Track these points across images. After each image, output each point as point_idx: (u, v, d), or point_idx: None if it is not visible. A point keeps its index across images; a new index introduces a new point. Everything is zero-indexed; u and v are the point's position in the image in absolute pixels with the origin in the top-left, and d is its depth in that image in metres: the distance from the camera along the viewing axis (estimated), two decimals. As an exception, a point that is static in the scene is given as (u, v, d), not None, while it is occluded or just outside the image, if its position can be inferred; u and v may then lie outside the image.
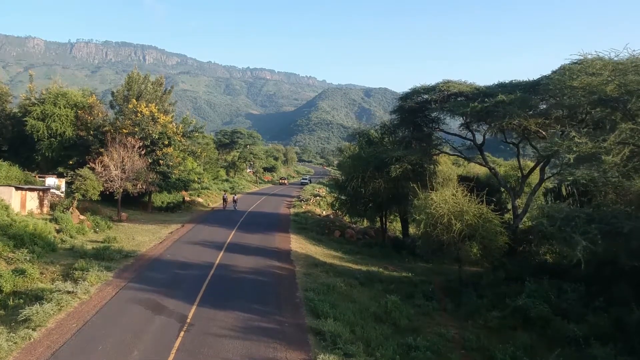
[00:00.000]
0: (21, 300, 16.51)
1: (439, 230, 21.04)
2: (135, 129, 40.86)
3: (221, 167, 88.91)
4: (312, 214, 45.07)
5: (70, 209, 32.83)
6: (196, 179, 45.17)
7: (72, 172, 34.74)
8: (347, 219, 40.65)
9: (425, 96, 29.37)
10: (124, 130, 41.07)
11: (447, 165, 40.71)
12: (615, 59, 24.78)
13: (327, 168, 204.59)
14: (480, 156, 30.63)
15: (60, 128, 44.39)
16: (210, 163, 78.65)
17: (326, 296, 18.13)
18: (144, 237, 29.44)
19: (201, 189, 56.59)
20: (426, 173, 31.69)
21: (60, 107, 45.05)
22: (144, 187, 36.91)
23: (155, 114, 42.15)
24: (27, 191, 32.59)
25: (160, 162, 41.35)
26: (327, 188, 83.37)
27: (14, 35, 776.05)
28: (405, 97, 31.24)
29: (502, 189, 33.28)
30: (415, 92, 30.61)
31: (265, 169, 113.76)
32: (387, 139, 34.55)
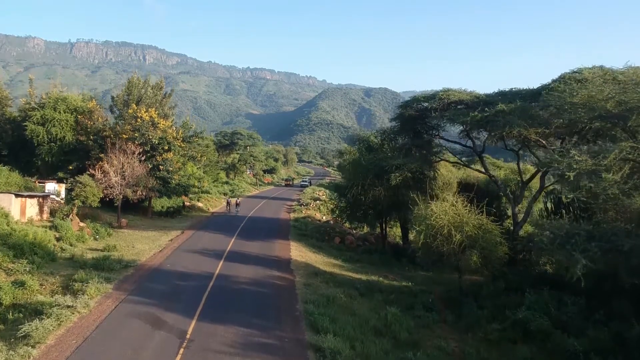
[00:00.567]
0: (21, 314, 16.51)
1: (439, 241, 21.01)
2: (135, 134, 40.85)
3: (221, 169, 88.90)
4: (312, 219, 45.04)
5: (70, 216, 32.82)
6: (196, 183, 45.10)
7: (72, 179, 34.70)
8: (347, 225, 40.66)
9: (425, 104, 29.35)
10: (124, 135, 41.05)
11: (447, 169, 40.66)
12: (616, 68, 24.86)
13: (327, 169, 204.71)
14: (479, 162, 30.57)
15: (60, 133, 44.38)
16: (210, 165, 78.66)
17: (326, 309, 18.09)
18: (143, 245, 29.42)
19: (201, 192, 56.55)
20: (426, 180, 31.69)
21: (60, 112, 45.02)
22: (144, 193, 36.88)
23: (155, 119, 42.13)
24: (27, 198, 32.57)
25: (160, 167, 41.33)
26: (327, 191, 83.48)
27: (14, 35, 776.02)
28: (405, 105, 31.25)
29: (502, 195, 33.27)
30: (415, 100, 30.61)
31: (265, 171, 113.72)
32: (387, 145, 34.53)
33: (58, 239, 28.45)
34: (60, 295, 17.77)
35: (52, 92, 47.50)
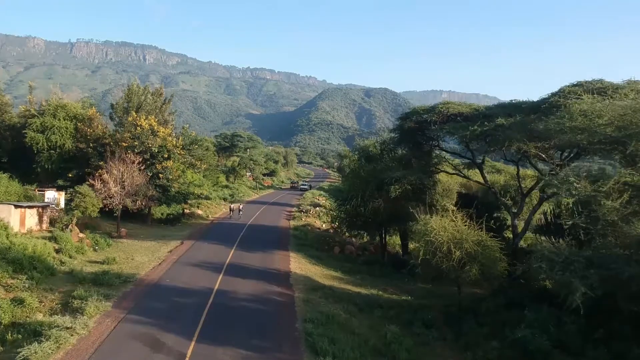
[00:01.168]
0: (20, 335, 16.50)
1: (438, 258, 21.01)
2: (135, 143, 40.84)
3: (221, 173, 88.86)
4: (312, 228, 45.01)
5: (70, 226, 32.82)
6: (196, 191, 45.10)
7: (71, 190, 34.70)
8: (347, 234, 40.59)
9: (425, 116, 29.33)
10: (124, 143, 41.05)
11: (447, 175, 40.59)
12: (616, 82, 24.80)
13: (327, 170, 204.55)
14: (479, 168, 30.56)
15: (60, 140, 44.40)
16: (210, 169, 78.64)
17: (325, 328, 18.07)
18: (143, 256, 29.41)
19: (201, 199, 56.52)
20: (426, 190, 31.71)
21: (59, 119, 45.06)
22: (143, 203, 36.87)
23: (155, 127, 42.11)
24: (27, 208, 32.56)
25: (160, 175, 41.33)
26: (327, 194, 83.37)
27: (14, 35, 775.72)
28: (405, 116, 31.26)
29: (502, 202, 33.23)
30: (414, 112, 30.62)
31: (265, 174, 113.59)
32: (387, 155, 34.50)
33: (57, 251, 28.44)
34: (59, 315, 17.73)
35: (51, 99, 47.51)
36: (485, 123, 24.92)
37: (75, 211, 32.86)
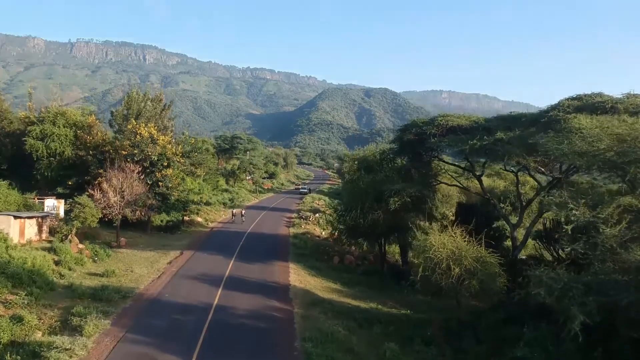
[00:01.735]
0: (18, 357, 16.47)
1: (437, 274, 21.04)
2: (135, 151, 40.83)
3: (221, 176, 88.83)
4: (312, 236, 45.00)
5: (69, 237, 32.82)
6: (195, 199, 45.10)
7: (70, 200, 34.67)
8: (347, 244, 40.51)
9: (424, 128, 29.34)
10: (123, 151, 41.04)
11: (447, 178, 40.48)
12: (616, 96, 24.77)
13: (327, 172, 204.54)
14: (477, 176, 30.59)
15: (60, 148, 44.42)
16: (210, 173, 78.62)
17: (324, 348, 18.07)
18: (142, 268, 29.41)
19: (201, 205, 56.54)
20: (426, 201, 31.74)
21: (59, 127, 45.08)
22: (143, 213, 36.87)
23: (155, 135, 42.09)
24: (26, 219, 32.56)
25: (160, 183, 41.31)
26: (327, 198, 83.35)
27: (14, 34, 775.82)
28: (404, 129, 31.28)
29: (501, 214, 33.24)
30: (413, 124, 30.64)
31: (265, 177, 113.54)
32: (386, 165, 34.50)
33: (57, 263, 28.43)
34: (58, 335, 17.71)
35: (51, 106, 47.53)
36: (485, 137, 24.94)
37: (75, 222, 32.83)
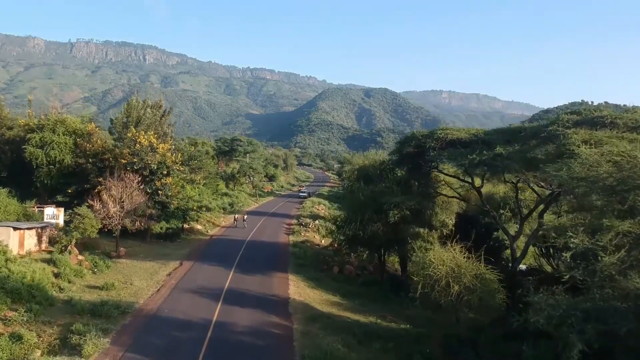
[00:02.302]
0: (17, 379, 16.52)
1: (436, 292, 21.08)
2: (134, 159, 40.83)
3: (221, 179, 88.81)
4: (312, 244, 45.00)
5: (69, 248, 32.83)
6: (195, 207, 45.09)
7: (70, 211, 34.68)
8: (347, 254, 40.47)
9: (424, 142, 29.36)
10: (123, 160, 41.04)
11: (446, 189, 40.43)
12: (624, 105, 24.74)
13: (327, 173, 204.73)
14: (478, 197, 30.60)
15: (59, 155, 44.38)
16: (209, 177, 78.58)
17: (323, 368, 18.10)
18: (141, 280, 29.42)
19: (201, 212, 56.55)
20: (425, 212, 31.77)
21: (59, 135, 45.03)
22: (142, 223, 36.87)
23: (154, 144, 42.07)
24: (26, 230, 32.57)
25: (160, 192, 41.32)
26: (327, 202, 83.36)
27: (14, 34, 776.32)
28: (404, 141, 31.31)
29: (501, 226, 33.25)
30: (413, 137, 30.68)
31: (264, 182, 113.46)
32: (386, 176, 34.52)
33: (56, 276, 28.46)
34: (58, 357, 17.73)
35: (51, 114, 47.51)
36: (484, 152, 24.94)
37: (75, 232, 32.83)
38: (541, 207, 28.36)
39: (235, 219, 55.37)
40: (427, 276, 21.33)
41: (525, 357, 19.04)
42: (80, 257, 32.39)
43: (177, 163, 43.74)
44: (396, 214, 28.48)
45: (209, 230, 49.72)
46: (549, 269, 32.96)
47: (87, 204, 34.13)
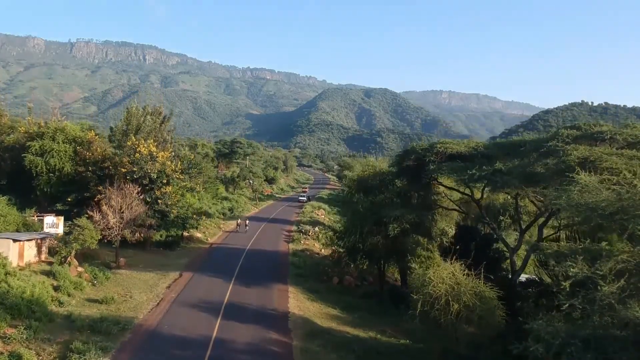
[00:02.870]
0: (17, 401, 16.50)
1: (435, 312, 21.08)
2: (134, 168, 40.81)
3: (220, 183, 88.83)
4: (311, 253, 44.97)
5: (69, 259, 32.83)
6: (195, 216, 45.10)
7: (70, 222, 34.66)
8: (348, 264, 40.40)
9: (423, 156, 29.36)
10: (123, 169, 41.03)
11: (446, 201, 40.45)
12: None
13: (327, 175, 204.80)
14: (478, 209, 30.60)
15: (59, 164, 44.40)
16: (209, 181, 78.60)
17: (323, 389, 18.08)
18: (141, 293, 29.41)
19: (202, 217, 56.60)
20: (425, 224, 31.77)
21: (59, 143, 45.04)
22: (142, 235, 36.86)
23: (154, 153, 42.05)
24: (25, 241, 32.57)
25: (159, 201, 41.30)
26: (327, 206, 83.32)
27: (14, 34, 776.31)
28: (404, 155, 31.30)
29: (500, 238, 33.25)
30: (412, 151, 30.67)
31: (265, 182, 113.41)
32: (386, 187, 34.46)
33: (56, 289, 28.40)
34: (57, 379, 17.71)
35: (51, 122, 47.52)
36: (484, 167, 24.93)
37: (74, 244, 32.81)
38: (541, 219, 28.40)
39: (237, 224, 57.62)
40: (427, 294, 21.31)
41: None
42: (79, 269, 32.37)
43: (176, 171, 43.72)
44: (396, 228, 28.49)
45: (208, 238, 49.70)
46: (547, 279, 33.00)
47: (87, 215, 34.10)
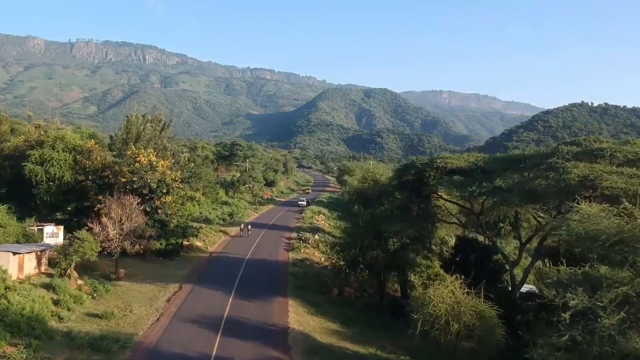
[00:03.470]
0: None
1: (436, 330, 21.10)
2: (134, 178, 40.78)
3: (220, 187, 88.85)
4: (311, 262, 44.90)
5: (68, 271, 32.83)
6: (194, 225, 45.08)
7: (70, 235, 34.62)
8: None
9: (423, 171, 29.36)
10: (123, 178, 40.99)
11: (446, 214, 40.40)
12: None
13: (327, 177, 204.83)
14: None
15: (59, 172, 44.37)
16: (209, 187, 78.62)
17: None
18: (141, 307, 29.41)
19: (201, 222, 56.61)
20: (425, 237, 31.79)
21: (58, 151, 45.02)
22: (142, 247, 36.84)
23: (154, 162, 42.01)
24: (25, 254, 32.56)
25: (159, 210, 41.26)
26: (327, 210, 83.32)
27: (14, 34, 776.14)
28: (404, 169, 31.30)
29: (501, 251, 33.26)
30: (412, 165, 30.68)
31: (264, 184, 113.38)
32: (386, 199, 34.47)
33: (55, 303, 28.43)
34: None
35: (50, 130, 47.49)
36: (484, 184, 24.91)
37: (74, 256, 32.81)
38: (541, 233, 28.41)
39: (241, 229, 59.66)
40: (427, 314, 21.33)
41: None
42: (79, 282, 32.37)
43: (176, 181, 43.69)
44: (396, 242, 28.49)
45: (208, 247, 49.64)
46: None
47: (87, 227, 34.10)
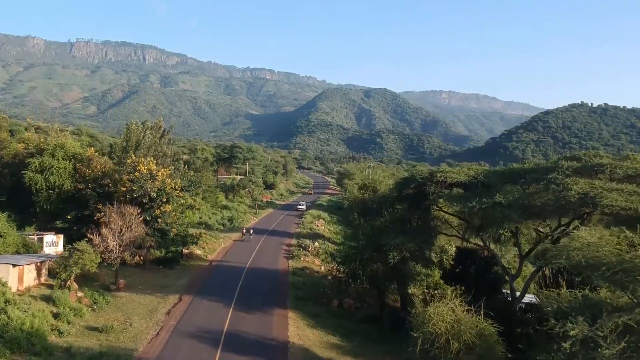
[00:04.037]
0: None
1: (435, 350, 21.06)
2: (134, 187, 40.78)
3: (220, 191, 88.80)
4: (311, 271, 44.82)
5: (68, 283, 32.83)
6: (194, 233, 45.07)
7: (69, 247, 34.61)
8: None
9: (423, 185, 29.36)
10: (123, 187, 41.00)
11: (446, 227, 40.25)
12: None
13: (327, 178, 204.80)
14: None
15: (59, 181, 44.38)
16: (209, 191, 78.58)
17: None
18: (141, 320, 29.40)
19: (201, 228, 56.62)
20: (425, 250, 31.77)
21: (58, 159, 45.02)
22: (141, 257, 36.83)
23: (154, 171, 42.00)
24: (25, 265, 32.55)
25: (159, 219, 41.26)
26: (327, 214, 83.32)
27: (14, 34, 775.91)
28: (404, 183, 31.27)
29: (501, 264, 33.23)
30: (412, 179, 30.66)
31: (264, 187, 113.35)
32: (386, 210, 34.44)
33: (55, 316, 28.42)
34: None
35: (50, 138, 47.49)
36: (484, 199, 24.88)
37: (74, 267, 32.80)
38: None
39: (243, 234, 60.72)
40: (427, 332, 21.29)
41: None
42: (79, 294, 32.34)
43: (176, 189, 43.69)
44: (396, 256, 28.48)
45: (208, 255, 49.58)
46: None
47: (87, 239, 34.11)
